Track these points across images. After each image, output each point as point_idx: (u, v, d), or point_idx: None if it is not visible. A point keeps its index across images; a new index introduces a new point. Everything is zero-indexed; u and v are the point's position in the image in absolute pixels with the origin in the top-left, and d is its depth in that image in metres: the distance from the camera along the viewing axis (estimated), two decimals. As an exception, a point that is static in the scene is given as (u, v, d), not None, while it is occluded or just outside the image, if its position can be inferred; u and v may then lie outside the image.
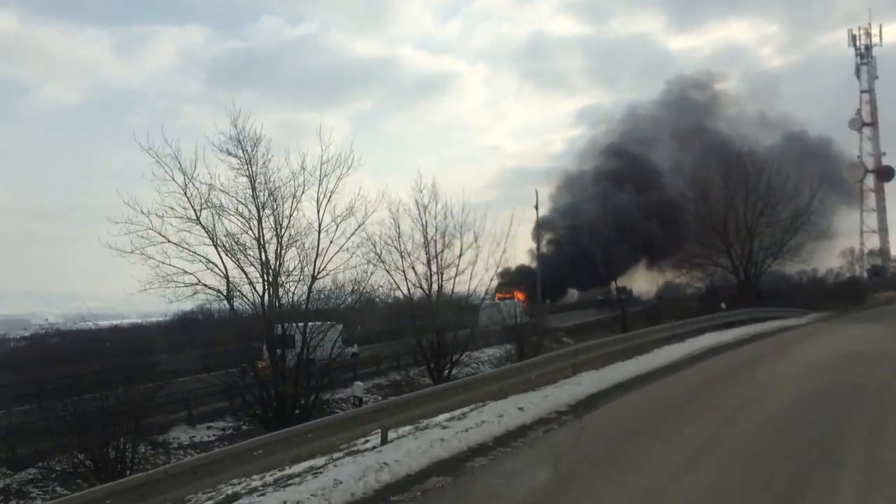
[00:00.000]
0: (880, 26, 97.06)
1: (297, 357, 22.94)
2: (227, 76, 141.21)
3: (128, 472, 14.74)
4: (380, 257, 26.26)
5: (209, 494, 9.03)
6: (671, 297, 53.90)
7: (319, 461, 9.83)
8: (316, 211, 20.09)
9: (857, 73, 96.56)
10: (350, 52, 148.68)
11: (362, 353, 34.35)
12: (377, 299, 28.81)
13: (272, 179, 19.55)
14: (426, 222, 27.66)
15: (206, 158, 18.36)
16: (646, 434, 10.37)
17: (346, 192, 20.40)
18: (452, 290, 27.97)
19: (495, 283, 29.11)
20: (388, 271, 26.65)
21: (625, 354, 19.24)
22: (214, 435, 22.92)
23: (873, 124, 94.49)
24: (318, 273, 20.90)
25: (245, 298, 19.78)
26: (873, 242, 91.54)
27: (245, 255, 19.15)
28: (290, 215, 19.93)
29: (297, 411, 19.23)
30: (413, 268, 27.21)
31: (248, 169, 19.07)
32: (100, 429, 15.11)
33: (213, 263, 18.44)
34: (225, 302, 19.27)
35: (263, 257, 19.47)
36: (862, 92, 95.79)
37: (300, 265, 20.40)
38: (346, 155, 20.20)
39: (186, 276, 18.02)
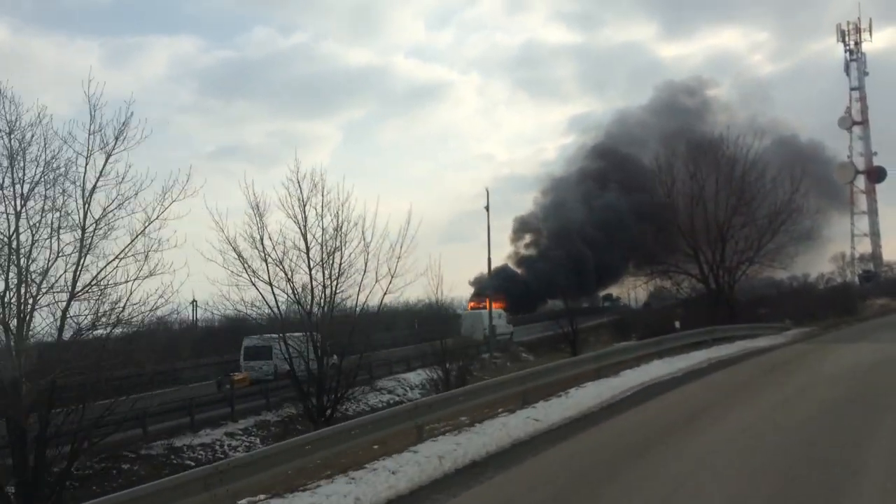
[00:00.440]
0: (870, 20, 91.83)
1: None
2: (219, 86, 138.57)
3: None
4: (246, 265, 20.72)
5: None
6: (659, 306, 48.81)
7: None
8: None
9: (847, 69, 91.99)
10: (343, 62, 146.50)
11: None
12: (252, 317, 23.12)
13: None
14: (306, 221, 22.07)
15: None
16: None
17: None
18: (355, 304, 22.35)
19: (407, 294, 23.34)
20: (253, 282, 21.02)
21: (524, 400, 13.62)
22: None
23: (863, 123, 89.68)
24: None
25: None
26: (865, 247, 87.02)
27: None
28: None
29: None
30: (290, 279, 21.55)
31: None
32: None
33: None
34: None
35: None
36: (851, 89, 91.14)
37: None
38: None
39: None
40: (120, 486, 15.11)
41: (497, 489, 8.34)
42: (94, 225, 13.91)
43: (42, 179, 13.37)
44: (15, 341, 12.97)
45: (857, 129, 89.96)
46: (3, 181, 13.27)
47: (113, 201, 14.01)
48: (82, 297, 13.48)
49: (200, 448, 20.53)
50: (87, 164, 13.86)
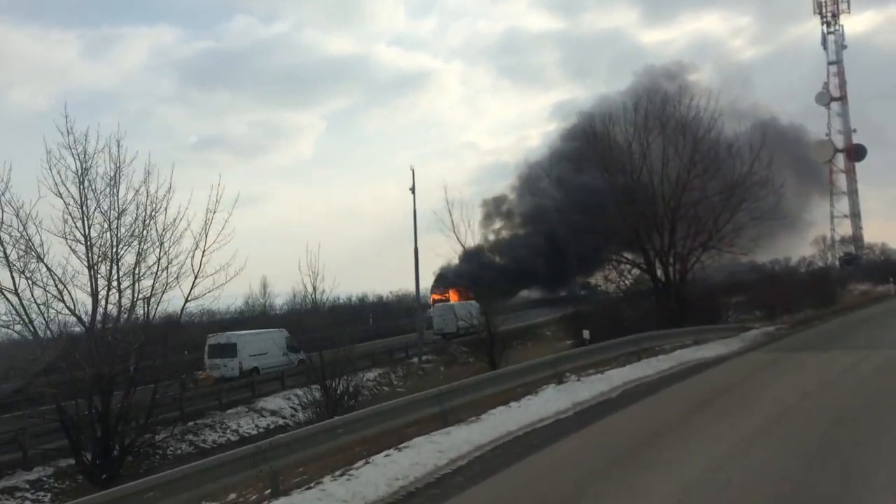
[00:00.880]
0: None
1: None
2: (200, 76, 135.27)
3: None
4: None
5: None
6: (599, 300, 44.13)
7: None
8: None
9: (824, 43, 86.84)
10: (324, 50, 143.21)
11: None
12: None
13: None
14: (85, 203, 16.21)
15: None
16: None
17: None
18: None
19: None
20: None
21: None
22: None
23: (842, 98, 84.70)
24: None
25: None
26: (846, 229, 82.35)
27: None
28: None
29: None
30: (62, 284, 15.66)
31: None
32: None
33: None
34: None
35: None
36: (829, 63, 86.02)
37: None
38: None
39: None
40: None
41: None
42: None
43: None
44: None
45: (835, 106, 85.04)
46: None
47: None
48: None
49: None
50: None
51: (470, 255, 70.22)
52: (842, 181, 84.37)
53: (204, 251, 16.23)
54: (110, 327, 15.96)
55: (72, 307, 15.34)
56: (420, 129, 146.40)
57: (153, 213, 16.12)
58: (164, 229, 16.20)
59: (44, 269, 15.02)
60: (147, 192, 16.04)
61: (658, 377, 15.93)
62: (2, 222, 14.68)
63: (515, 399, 13.41)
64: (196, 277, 16.14)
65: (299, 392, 24.11)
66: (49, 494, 16.73)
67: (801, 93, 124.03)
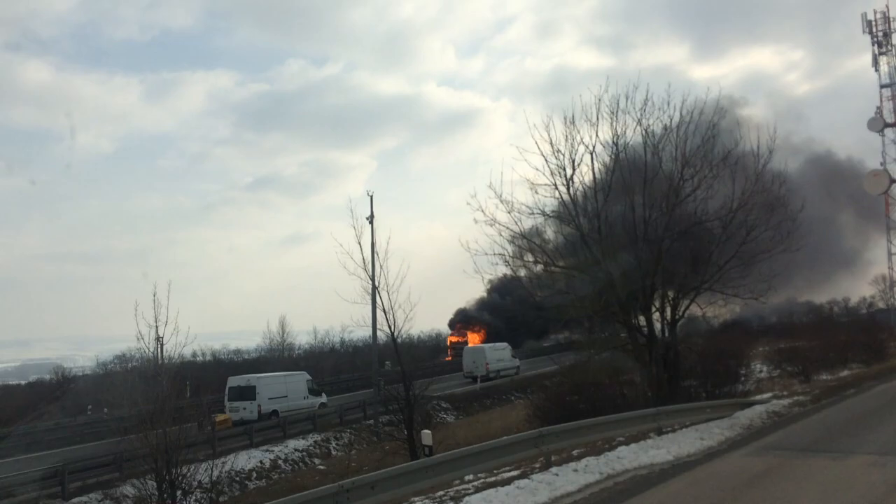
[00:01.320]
0: (901, 4, 78.90)
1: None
2: (254, 118, 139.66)
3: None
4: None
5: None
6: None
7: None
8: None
9: (875, 64, 78.99)
10: (374, 91, 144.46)
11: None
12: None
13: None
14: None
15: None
16: None
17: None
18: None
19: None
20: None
21: None
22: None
23: (897, 124, 76.58)
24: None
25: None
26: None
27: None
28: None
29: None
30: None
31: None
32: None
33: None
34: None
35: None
36: (882, 87, 77.95)
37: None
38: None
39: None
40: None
41: None
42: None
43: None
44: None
45: (890, 133, 76.75)
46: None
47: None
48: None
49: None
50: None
51: (500, 289, 64.58)
52: (901, 214, 75.72)
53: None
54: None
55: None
56: (469, 166, 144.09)
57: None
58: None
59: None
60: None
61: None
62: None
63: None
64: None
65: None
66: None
67: (859, 125, 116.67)
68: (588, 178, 20.98)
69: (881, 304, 62.91)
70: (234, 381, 32.21)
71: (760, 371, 34.66)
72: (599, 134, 20.25)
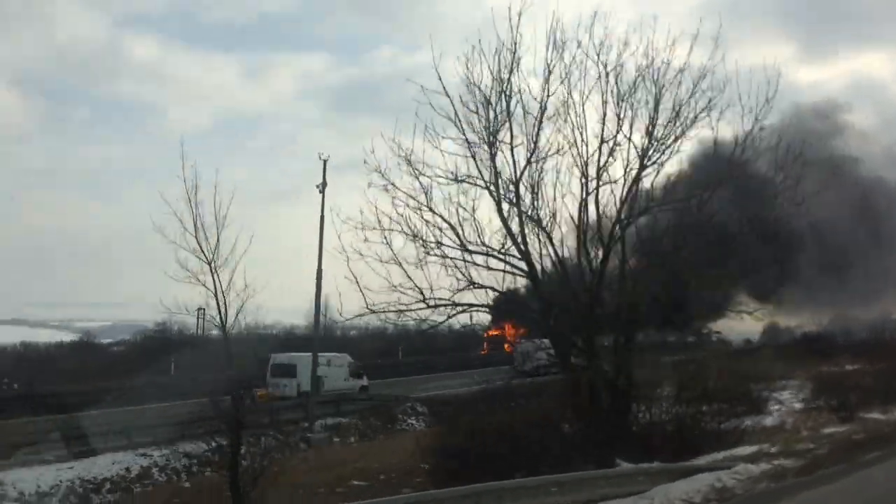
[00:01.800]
0: None
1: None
2: (344, 102, 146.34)
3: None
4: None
5: None
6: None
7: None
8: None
9: None
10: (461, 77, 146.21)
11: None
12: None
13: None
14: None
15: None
16: None
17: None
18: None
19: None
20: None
21: None
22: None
23: None
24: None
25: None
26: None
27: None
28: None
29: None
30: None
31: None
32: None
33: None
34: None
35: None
36: None
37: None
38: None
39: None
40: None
41: None
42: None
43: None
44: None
45: None
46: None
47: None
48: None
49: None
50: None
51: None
52: None
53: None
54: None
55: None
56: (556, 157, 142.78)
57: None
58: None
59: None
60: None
61: None
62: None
63: None
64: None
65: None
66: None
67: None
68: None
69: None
70: (279, 357, 32.63)
71: (792, 402, 28.78)
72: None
